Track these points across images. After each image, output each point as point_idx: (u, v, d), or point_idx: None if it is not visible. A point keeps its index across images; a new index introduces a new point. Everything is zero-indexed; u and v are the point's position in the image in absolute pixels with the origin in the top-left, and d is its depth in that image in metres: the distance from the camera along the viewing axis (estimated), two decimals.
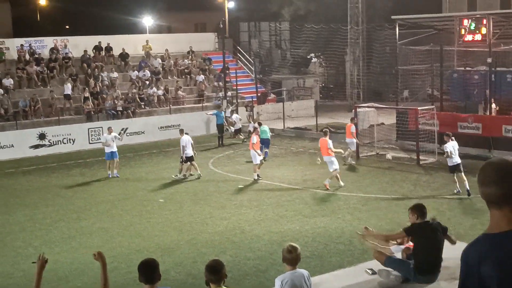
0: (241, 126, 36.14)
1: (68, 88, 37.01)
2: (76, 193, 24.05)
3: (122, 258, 15.88)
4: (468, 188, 20.47)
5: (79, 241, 17.70)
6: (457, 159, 21.05)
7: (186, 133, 26.51)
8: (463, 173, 20.82)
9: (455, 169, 21.05)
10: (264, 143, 28.13)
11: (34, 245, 17.46)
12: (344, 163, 26.32)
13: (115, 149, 26.79)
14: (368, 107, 33.49)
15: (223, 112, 36.30)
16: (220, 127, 34.83)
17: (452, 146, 21.06)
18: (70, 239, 17.95)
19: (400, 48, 33.11)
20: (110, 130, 27.40)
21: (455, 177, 21.05)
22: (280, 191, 22.87)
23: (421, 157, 27.15)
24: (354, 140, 27.45)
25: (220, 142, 34.27)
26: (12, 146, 32.39)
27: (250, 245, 16.71)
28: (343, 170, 25.56)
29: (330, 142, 23.11)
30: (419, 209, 10.32)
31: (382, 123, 33.86)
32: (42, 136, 33.24)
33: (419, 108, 28.45)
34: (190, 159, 25.56)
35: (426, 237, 10.16)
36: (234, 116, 37.11)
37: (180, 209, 20.84)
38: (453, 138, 21.45)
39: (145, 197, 22.73)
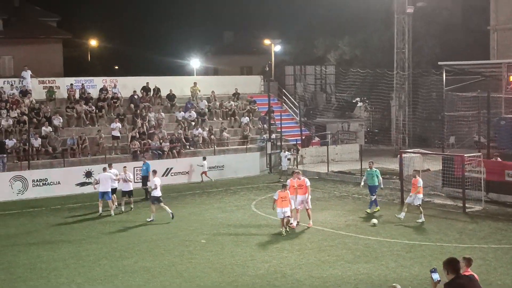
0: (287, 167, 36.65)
1: (116, 130, 37.63)
2: (120, 231, 24.24)
3: None
4: None
5: (122, 280, 17.78)
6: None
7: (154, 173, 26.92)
8: None
9: None
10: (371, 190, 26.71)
11: (78, 282, 17.60)
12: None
13: (109, 189, 26.95)
14: (413, 152, 33.18)
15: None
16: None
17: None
18: (113, 277, 18.05)
19: (446, 94, 32.95)
20: (105, 169, 27.63)
21: None
22: (322, 236, 22.68)
23: (467, 205, 26.70)
24: (421, 196, 25.09)
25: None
26: (59, 183, 32.92)
27: None
28: (388, 216, 25.31)
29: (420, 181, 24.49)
30: (450, 264, 10.03)
31: (428, 169, 33.47)
32: (88, 174, 33.73)
33: (465, 154, 28.08)
34: (158, 199, 25.70)
35: None
36: (284, 154, 37.73)
37: (221, 250, 20.80)
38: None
39: (187, 237, 22.76)
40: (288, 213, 22.87)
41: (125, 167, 29.12)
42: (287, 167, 36.96)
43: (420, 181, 25.03)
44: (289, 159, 38.00)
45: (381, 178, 26.97)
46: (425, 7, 48.37)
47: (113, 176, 27.58)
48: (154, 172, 26.79)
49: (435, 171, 32.74)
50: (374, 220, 24.20)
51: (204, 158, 37.21)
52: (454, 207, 27.31)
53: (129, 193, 28.28)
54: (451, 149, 38.01)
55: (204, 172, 36.89)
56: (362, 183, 27.36)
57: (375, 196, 26.50)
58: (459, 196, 27.51)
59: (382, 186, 27.55)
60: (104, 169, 27.84)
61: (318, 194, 30.91)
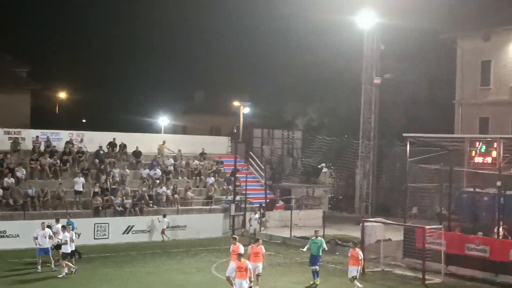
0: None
1: (79, 184, 37.30)
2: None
3: None
4: None
5: None
6: None
7: (49, 226, 27.31)
8: None
9: None
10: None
11: None
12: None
13: (46, 246, 26.82)
14: (375, 222, 33.33)
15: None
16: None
17: None
18: None
19: (410, 166, 33.26)
20: (43, 226, 27.25)
21: None
22: None
23: (427, 277, 26.77)
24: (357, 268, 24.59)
25: None
26: (18, 236, 32.32)
27: None
28: (347, 285, 25.25)
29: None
30: None
31: (389, 239, 33.64)
32: (48, 228, 33.10)
33: (426, 226, 28.30)
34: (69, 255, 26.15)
35: None
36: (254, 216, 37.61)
37: None
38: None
39: None
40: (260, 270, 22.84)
41: (63, 226, 27.83)
42: (255, 230, 36.68)
43: (360, 254, 24.56)
44: (258, 222, 37.85)
45: (325, 246, 26.11)
46: (392, 79, 49.44)
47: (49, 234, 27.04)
48: (63, 227, 26.85)
49: (396, 241, 32.90)
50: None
51: (164, 216, 36.94)
52: (414, 278, 27.38)
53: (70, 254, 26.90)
54: (413, 220, 38.14)
55: (163, 230, 36.58)
56: (305, 249, 26.22)
57: (317, 267, 25.51)
58: (419, 267, 27.60)
59: (326, 248, 26.51)
60: (42, 225, 27.38)
61: (279, 259, 30.75)
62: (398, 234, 33.07)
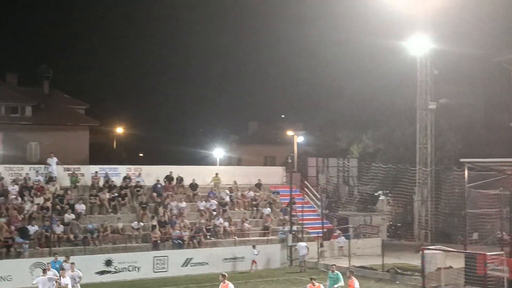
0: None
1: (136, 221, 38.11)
2: None
3: None
4: None
5: None
6: None
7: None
8: None
9: None
10: None
11: None
12: None
13: None
14: (436, 249, 32.81)
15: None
16: None
17: None
18: None
19: (469, 191, 32.76)
20: (44, 271, 25.29)
21: None
22: None
23: None
24: None
25: None
26: (79, 271, 32.84)
27: None
28: None
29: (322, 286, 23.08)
30: None
31: (450, 266, 33.01)
32: (108, 263, 33.78)
33: (487, 253, 27.73)
34: None
35: None
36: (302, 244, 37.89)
37: None
38: None
39: None
40: None
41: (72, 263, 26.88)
42: (305, 258, 37.01)
43: (356, 283, 23.93)
44: (307, 248, 37.89)
45: (342, 282, 24.77)
46: (448, 104, 48.92)
47: (53, 277, 24.99)
48: (63, 269, 25.32)
49: (457, 269, 32.27)
50: None
51: (254, 246, 37.53)
52: None
53: None
54: (474, 246, 37.49)
55: (253, 261, 37.05)
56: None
57: None
58: None
59: (343, 284, 24.93)
60: (44, 271, 25.51)
61: None
62: (459, 261, 32.44)
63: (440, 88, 48.04)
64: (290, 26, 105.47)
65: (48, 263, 27.11)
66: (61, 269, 25.34)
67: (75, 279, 25.80)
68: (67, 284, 24.36)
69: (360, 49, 56.18)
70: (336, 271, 25.19)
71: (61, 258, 28.45)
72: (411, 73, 47.46)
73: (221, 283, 22.70)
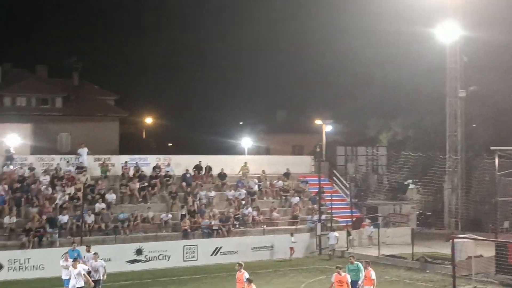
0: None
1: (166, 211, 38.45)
2: None
3: None
4: None
5: None
6: None
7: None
8: None
9: None
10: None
11: None
12: None
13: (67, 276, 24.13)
14: (466, 238, 32.59)
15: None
16: None
17: None
18: None
19: (499, 179, 32.49)
20: (66, 257, 25.56)
21: None
22: None
23: None
24: None
25: None
26: (110, 260, 33.18)
27: None
28: None
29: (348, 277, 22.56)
30: None
31: (481, 255, 32.78)
32: (139, 252, 34.11)
33: None
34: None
35: None
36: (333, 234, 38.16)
37: None
38: None
39: None
40: None
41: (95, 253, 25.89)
42: (334, 247, 37.32)
43: (373, 273, 23.27)
44: (338, 238, 38.00)
45: (363, 272, 23.55)
46: (478, 91, 48.39)
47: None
48: (75, 259, 24.07)
49: (488, 257, 32.04)
50: None
51: (292, 234, 37.95)
52: None
53: None
54: (505, 234, 37.21)
55: (292, 248, 37.47)
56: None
57: None
58: None
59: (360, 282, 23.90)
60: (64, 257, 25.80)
61: None
62: (490, 249, 32.21)
63: (470, 75, 47.54)
64: (319, 14, 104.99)
65: (65, 253, 27.24)
66: (74, 259, 24.05)
67: (98, 269, 25.09)
68: (78, 274, 22.96)
69: (388, 36, 55.68)
70: (355, 262, 24.13)
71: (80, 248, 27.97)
72: (440, 60, 46.99)
73: (237, 272, 22.73)
